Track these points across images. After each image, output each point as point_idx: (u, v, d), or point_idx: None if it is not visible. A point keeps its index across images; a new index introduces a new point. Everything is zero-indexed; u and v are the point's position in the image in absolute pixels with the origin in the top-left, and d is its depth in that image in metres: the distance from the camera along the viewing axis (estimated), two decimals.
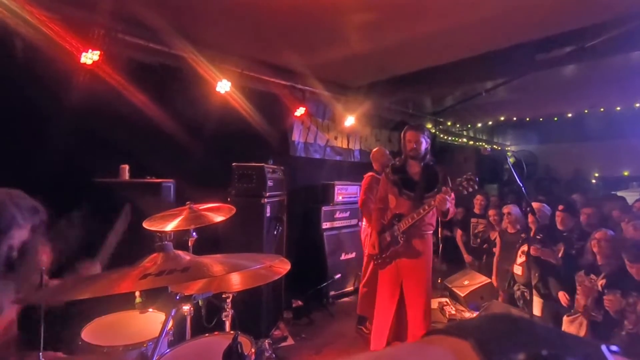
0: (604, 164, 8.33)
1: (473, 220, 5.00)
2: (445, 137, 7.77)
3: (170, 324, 1.50)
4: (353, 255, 4.88)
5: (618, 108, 6.44)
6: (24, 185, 1.61)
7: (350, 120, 5.13)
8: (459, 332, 0.32)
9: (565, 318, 3.04)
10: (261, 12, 2.98)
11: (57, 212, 1.69)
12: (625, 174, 8.18)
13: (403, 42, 3.57)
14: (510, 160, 4.78)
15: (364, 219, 4.00)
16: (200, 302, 2.04)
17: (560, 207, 3.59)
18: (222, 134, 3.68)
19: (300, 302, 4.11)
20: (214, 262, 1.26)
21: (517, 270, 3.70)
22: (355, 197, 4.89)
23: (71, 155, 2.77)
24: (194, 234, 2.41)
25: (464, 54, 3.92)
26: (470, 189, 2.75)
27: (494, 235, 4.43)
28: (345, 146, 5.72)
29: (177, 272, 1.17)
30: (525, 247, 3.38)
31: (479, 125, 8.21)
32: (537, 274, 3.44)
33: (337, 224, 4.84)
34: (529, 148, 9.48)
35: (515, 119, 7.60)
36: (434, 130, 7.02)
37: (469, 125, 8.23)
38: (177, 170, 3.17)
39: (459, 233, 5.12)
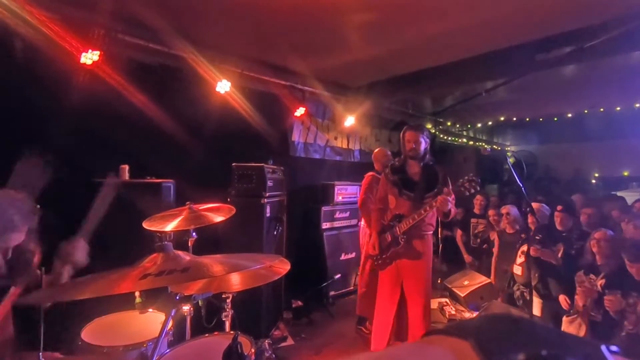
0: (604, 164, 8.33)
1: (473, 220, 5.00)
2: (445, 137, 7.77)
3: (170, 324, 1.50)
4: (353, 255, 4.88)
5: (618, 108, 6.43)
6: None
7: (350, 121, 5.13)
8: (459, 332, 0.32)
9: (564, 318, 3.03)
10: (261, 12, 2.98)
11: (57, 212, 1.69)
12: (625, 174, 8.18)
13: (403, 42, 3.56)
14: (510, 160, 4.79)
15: (363, 219, 4.00)
16: (200, 302, 2.05)
17: (559, 207, 3.59)
18: (222, 134, 3.68)
19: (300, 302, 4.11)
20: (213, 262, 1.26)
21: (517, 270, 3.70)
22: (355, 197, 4.88)
23: (71, 155, 2.76)
24: (194, 234, 2.42)
25: (464, 54, 3.92)
26: (473, 190, 2.71)
27: (494, 236, 4.43)
28: (345, 146, 5.71)
29: (177, 272, 1.17)
30: (524, 248, 3.38)
31: (479, 125, 8.20)
32: (536, 275, 3.43)
33: (337, 224, 4.84)
34: (528, 148, 9.49)
35: (515, 119, 7.59)
36: (433, 131, 7.01)
37: (469, 126, 8.22)
38: (177, 171, 3.17)
39: (459, 233, 5.12)
